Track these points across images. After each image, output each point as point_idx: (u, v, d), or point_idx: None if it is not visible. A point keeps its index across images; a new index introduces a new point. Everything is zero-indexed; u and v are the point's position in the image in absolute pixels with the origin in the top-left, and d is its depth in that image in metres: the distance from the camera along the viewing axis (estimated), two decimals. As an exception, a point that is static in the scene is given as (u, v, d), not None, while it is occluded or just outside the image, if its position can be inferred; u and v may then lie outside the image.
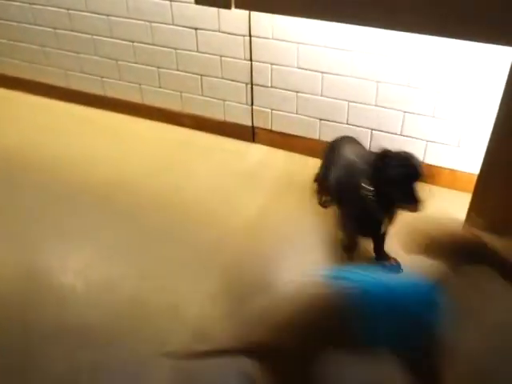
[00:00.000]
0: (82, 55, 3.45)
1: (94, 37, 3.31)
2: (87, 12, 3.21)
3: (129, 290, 2.17)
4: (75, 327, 2.00)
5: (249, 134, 3.20)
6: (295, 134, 3.04)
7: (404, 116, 2.70)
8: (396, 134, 2.76)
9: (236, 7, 2.57)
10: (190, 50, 3.09)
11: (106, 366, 1.86)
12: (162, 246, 2.41)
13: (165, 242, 2.43)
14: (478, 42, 2.13)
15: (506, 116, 2.17)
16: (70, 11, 3.25)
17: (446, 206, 2.60)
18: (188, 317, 2.05)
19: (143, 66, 3.30)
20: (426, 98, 2.61)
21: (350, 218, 2.29)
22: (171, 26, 3.04)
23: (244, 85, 3.05)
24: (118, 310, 2.07)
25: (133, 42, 3.22)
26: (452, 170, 2.72)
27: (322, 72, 2.77)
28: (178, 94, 3.31)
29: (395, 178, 2.02)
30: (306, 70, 2.81)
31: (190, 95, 3.28)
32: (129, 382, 1.82)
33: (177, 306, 2.09)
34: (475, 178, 2.41)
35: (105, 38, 3.28)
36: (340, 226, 2.35)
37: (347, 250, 2.35)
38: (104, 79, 3.48)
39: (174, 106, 3.36)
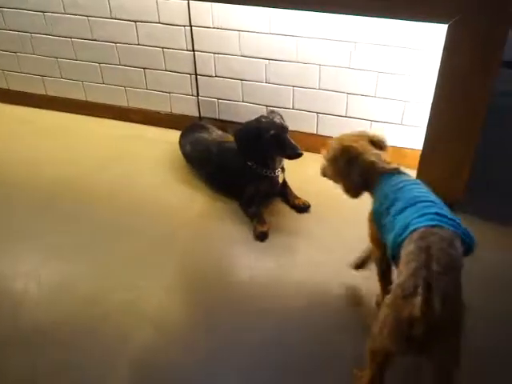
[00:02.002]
0: (19, 54, 3.35)
1: (33, 34, 3.22)
2: (18, 9, 3.13)
3: (84, 289, 2.13)
4: (31, 330, 1.95)
5: (197, 124, 3.19)
6: (243, 122, 3.03)
7: (348, 98, 2.75)
8: (341, 115, 2.81)
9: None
10: (131, 44, 3.04)
11: (65, 367, 1.82)
12: (114, 242, 2.38)
13: (117, 238, 2.40)
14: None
15: (442, 93, 2.25)
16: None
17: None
18: (147, 311, 2.04)
19: (84, 63, 3.23)
20: (367, 78, 2.66)
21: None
22: (110, 20, 2.98)
23: (188, 76, 3.04)
24: (75, 310, 2.04)
25: (71, 37, 3.15)
26: (397, 148, 2.79)
27: (266, 58, 2.79)
28: (123, 88, 3.26)
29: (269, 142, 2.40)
30: (249, 57, 2.82)
31: (135, 89, 3.24)
32: (90, 381, 1.79)
33: (134, 302, 2.07)
34: (419, 153, 2.50)
35: (44, 36, 3.20)
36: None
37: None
38: (44, 78, 3.39)
39: (120, 101, 3.31)
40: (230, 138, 2.77)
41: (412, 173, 2.54)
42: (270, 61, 2.79)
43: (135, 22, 2.94)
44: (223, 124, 3.04)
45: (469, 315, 1.45)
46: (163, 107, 3.24)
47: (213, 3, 2.68)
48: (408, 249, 1.51)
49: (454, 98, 2.23)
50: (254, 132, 2.43)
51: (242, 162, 2.53)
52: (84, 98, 3.38)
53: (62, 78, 3.35)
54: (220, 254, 2.33)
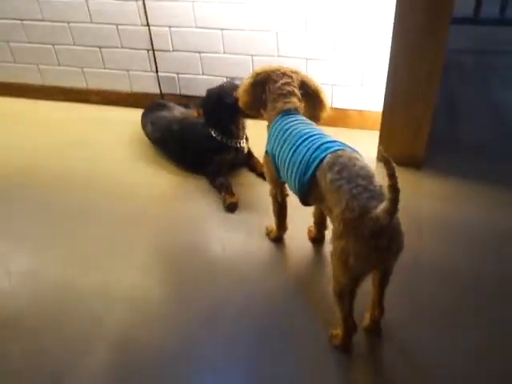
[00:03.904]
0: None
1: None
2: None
3: (53, 275, 2.11)
4: (1, 319, 1.93)
5: (158, 101, 3.14)
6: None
7: (307, 62, 2.74)
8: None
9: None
10: (83, 22, 2.97)
11: (39, 353, 1.81)
12: (81, 227, 2.36)
13: (84, 222, 2.38)
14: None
15: (397, 53, 2.26)
16: None
17: (358, 146, 2.68)
18: (120, 291, 2.03)
19: (37, 45, 3.14)
20: (325, 42, 2.65)
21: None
22: (59, -1, 2.90)
23: (146, 52, 2.98)
24: (45, 297, 2.01)
25: (21, 20, 3.05)
26: (359, 111, 2.81)
27: (221, 29, 2.75)
28: (80, 69, 3.19)
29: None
30: (205, 28, 2.78)
31: (92, 70, 3.17)
32: (66, 366, 1.79)
33: (106, 284, 2.06)
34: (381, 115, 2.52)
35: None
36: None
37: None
38: (-4, 63, 3.30)
39: (77, 83, 3.24)
40: (193, 113, 2.76)
41: (375, 134, 2.59)
42: (226, 30, 2.75)
43: (85, -1, 2.87)
44: (186, 100, 3.00)
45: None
46: (123, 86, 3.18)
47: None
48: (328, 179, 1.59)
49: (409, 56, 2.25)
50: (216, 97, 2.44)
51: (206, 135, 2.51)
52: (40, 82, 3.30)
53: (14, 62, 3.26)
54: (191, 229, 2.32)
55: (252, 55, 2.79)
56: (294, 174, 1.74)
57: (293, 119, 1.84)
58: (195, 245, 2.25)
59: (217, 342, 1.83)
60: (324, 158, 1.64)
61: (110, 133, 3.00)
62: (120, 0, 2.80)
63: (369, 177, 1.54)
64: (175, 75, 3.03)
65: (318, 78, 2.72)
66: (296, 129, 1.80)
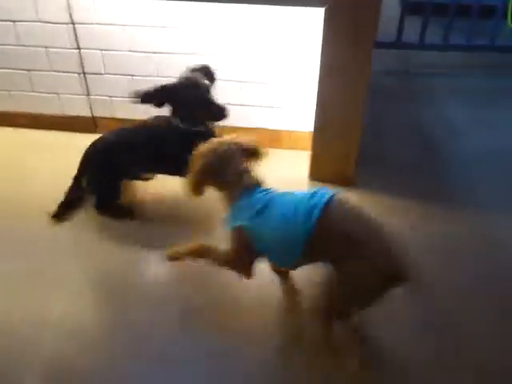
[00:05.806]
0: None
1: None
2: None
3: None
4: None
5: (90, 124, 3.10)
6: (138, 118, 2.99)
7: (241, 85, 2.80)
8: (236, 104, 2.85)
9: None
10: (10, 45, 2.89)
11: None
12: (10, 255, 2.27)
13: (14, 251, 2.29)
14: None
15: (324, 75, 2.37)
16: None
17: (290, 166, 2.76)
18: (52, 319, 1.97)
19: (-40, 68, 3.03)
20: (258, 67, 2.73)
21: None
22: (-16, 21, 2.82)
23: (76, 75, 2.94)
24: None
25: None
26: (290, 132, 2.89)
27: (154, 52, 2.77)
28: (7, 92, 3.09)
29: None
30: (137, 52, 2.78)
31: (20, 93, 3.08)
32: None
33: (38, 312, 2.00)
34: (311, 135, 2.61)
35: None
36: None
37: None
38: None
39: (5, 106, 3.14)
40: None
41: (306, 154, 2.68)
42: (158, 54, 2.77)
43: (13, 21, 2.80)
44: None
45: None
46: (53, 109, 3.11)
47: (94, -1, 2.63)
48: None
49: (336, 80, 2.35)
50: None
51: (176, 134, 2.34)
52: (-36, 106, 3.18)
53: None
54: (123, 253, 2.29)
55: (185, 79, 2.82)
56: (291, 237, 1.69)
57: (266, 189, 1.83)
58: (127, 270, 2.22)
59: (148, 365, 1.82)
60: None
61: (40, 158, 2.91)
62: (49, 23, 2.76)
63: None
64: (107, 98, 3.00)
65: (250, 100, 2.83)
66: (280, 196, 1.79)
